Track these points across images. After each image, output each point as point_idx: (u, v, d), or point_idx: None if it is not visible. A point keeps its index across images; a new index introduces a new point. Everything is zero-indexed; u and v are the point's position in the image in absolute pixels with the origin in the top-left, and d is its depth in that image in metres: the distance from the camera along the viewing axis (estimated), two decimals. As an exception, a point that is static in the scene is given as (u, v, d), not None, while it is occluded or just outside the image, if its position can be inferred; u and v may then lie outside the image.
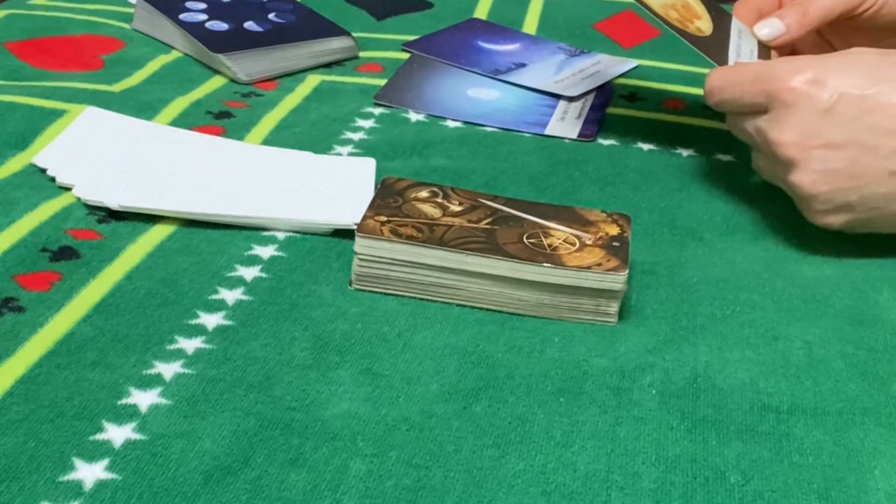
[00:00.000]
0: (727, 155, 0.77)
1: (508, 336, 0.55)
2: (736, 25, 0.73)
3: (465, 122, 0.80)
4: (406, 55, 0.91)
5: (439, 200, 0.61)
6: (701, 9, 0.74)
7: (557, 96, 0.84)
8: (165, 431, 0.47)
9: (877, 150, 0.60)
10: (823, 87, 0.60)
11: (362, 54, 0.91)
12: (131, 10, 0.94)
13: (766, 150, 0.64)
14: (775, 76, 0.62)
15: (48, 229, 0.61)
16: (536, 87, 0.85)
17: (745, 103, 0.64)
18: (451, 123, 0.79)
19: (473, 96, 0.84)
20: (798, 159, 0.61)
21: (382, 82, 0.85)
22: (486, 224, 0.59)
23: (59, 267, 0.58)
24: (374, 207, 0.59)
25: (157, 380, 0.50)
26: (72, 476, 0.44)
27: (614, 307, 0.57)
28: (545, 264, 0.56)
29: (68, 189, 0.65)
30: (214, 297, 0.57)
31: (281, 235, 0.63)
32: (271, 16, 0.90)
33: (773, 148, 0.62)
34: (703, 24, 0.72)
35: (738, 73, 0.65)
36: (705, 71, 0.68)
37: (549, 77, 0.87)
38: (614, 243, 0.58)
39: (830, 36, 0.76)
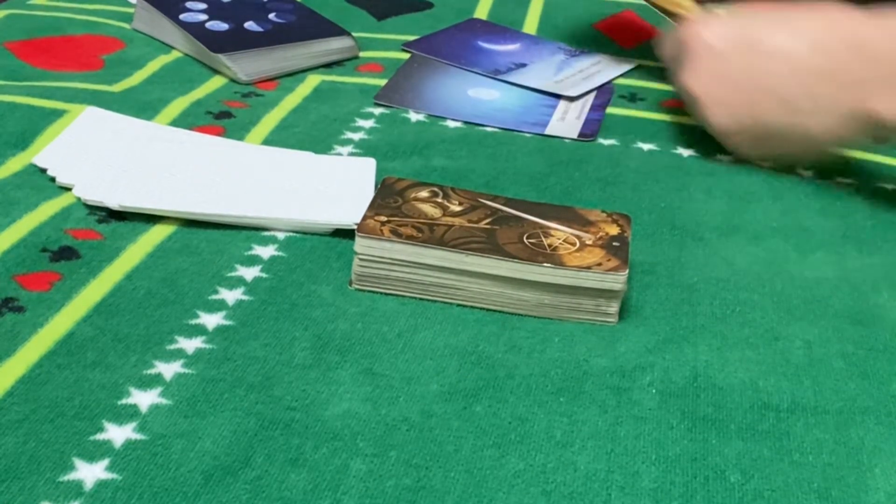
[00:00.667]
0: (727, 155, 0.77)
1: (508, 336, 0.55)
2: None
3: (466, 122, 0.80)
4: (406, 55, 0.91)
5: (439, 200, 0.61)
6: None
7: (558, 96, 0.84)
8: (165, 431, 0.47)
9: (757, 74, 0.72)
10: (712, 31, 0.74)
11: (362, 54, 0.91)
12: (131, 10, 0.94)
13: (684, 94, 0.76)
14: (686, 31, 0.75)
15: (48, 229, 0.61)
16: (537, 87, 0.85)
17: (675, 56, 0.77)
18: (451, 123, 0.79)
19: (473, 96, 0.84)
20: (699, 95, 0.74)
21: (382, 82, 0.85)
22: (486, 224, 0.59)
23: (59, 267, 0.58)
24: (374, 207, 0.59)
25: (157, 380, 0.50)
26: (72, 476, 0.44)
27: (614, 307, 0.57)
28: (545, 264, 0.56)
29: (68, 189, 0.65)
30: (214, 297, 0.57)
31: (281, 235, 0.63)
32: (271, 16, 0.90)
33: (683, 90, 0.75)
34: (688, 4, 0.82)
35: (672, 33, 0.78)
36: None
37: (550, 77, 0.87)
38: (614, 243, 0.58)
39: None
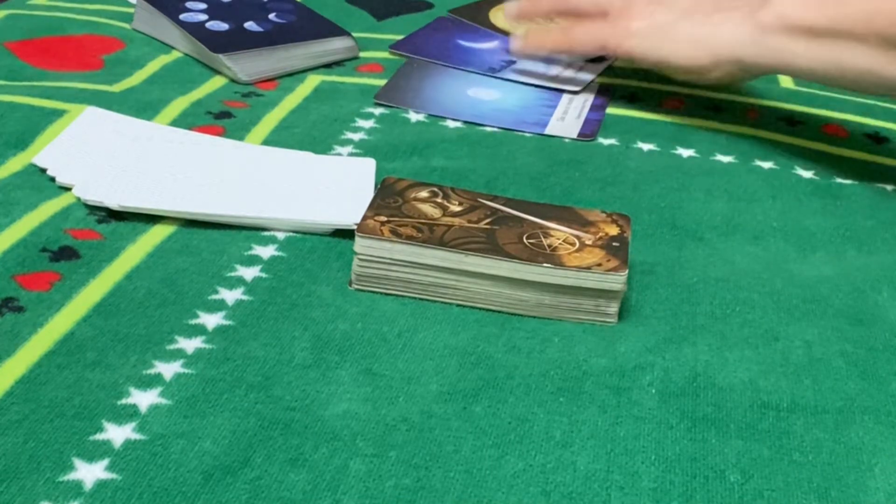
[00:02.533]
0: (727, 155, 0.77)
1: (508, 336, 0.55)
2: None
3: (465, 122, 0.80)
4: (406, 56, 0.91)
5: (439, 200, 0.61)
6: None
7: (561, 91, 0.84)
8: (165, 431, 0.47)
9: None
10: None
11: (363, 54, 0.91)
12: (131, 10, 0.94)
13: None
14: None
15: (48, 229, 0.61)
16: (539, 84, 0.85)
17: None
18: (451, 123, 0.79)
19: (473, 96, 0.84)
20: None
21: (382, 82, 0.85)
22: (486, 224, 0.59)
23: (59, 267, 0.58)
24: (374, 207, 0.59)
25: (157, 380, 0.50)
26: (72, 476, 0.44)
27: (614, 307, 0.57)
28: (545, 265, 0.56)
29: (68, 189, 0.65)
30: (214, 297, 0.57)
31: (281, 235, 0.63)
32: (271, 16, 0.90)
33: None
34: None
35: None
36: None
37: (542, 70, 0.86)
38: (614, 243, 0.58)
39: None
